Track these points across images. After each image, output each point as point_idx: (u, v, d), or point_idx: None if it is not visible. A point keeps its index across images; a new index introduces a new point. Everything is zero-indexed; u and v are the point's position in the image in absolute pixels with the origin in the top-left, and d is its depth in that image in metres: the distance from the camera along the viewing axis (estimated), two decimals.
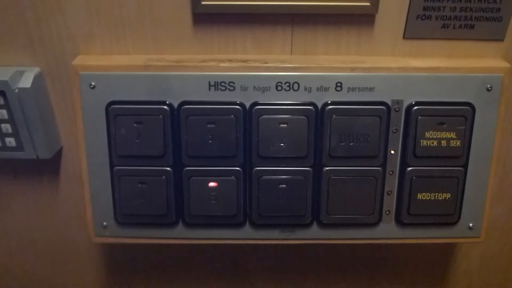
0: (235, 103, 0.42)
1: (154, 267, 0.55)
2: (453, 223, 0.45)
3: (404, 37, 0.43)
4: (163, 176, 0.43)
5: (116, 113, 0.42)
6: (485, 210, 0.45)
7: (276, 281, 0.56)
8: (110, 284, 0.56)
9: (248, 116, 0.42)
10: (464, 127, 0.42)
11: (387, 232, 0.46)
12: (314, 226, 0.46)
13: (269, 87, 0.42)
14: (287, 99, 0.42)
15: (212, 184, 0.44)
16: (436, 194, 0.44)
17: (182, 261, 0.55)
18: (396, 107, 0.42)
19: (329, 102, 0.42)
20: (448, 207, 0.44)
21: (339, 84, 0.42)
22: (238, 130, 0.42)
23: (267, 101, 0.42)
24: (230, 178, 0.43)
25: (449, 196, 0.44)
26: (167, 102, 0.42)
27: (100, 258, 0.54)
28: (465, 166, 0.44)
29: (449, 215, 0.45)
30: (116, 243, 0.47)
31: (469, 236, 0.46)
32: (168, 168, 0.43)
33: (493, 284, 0.56)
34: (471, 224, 0.46)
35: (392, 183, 0.44)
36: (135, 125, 0.42)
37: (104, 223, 0.46)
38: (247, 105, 0.42)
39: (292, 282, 0.56)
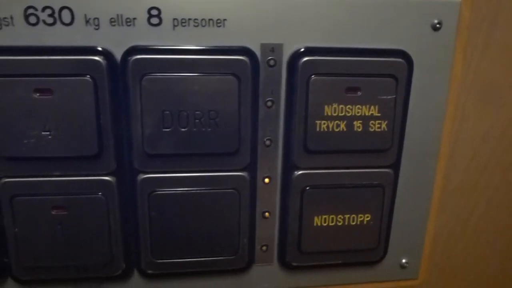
0: None
1: None
2: (376, 261, 0.27)
3: None
4: None
5: None
6: (425, 237, 0.27)
7: None
8: None
9: None
10: (393, 96, 0.23)
11: (266, 280, 0.26)
12: (135, 278, 0.25)
13: (11, 17, 0.20)
14: (49, 41, 0.21)
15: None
16: (347, 216, 0.25)
17: None
18: (270, 58, 0.22)
19: (136, 47, 0.21)
20: (368, 236, 0.26)
21: (155, 13, 0.21)
22: None
23: (10, 45, 0.21)
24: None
25: (368, 218, 0.25)
26: None
27: None
28: (396, 166, 0.25)
29: (368, 250, 0.26)
30: None
31: (401, 278, 0.28)
32: None
33: None
34: (404, 260, 0.27)
35: (270, 199, 0.25)
36: None
37: None
38: None
39: None
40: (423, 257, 0.28)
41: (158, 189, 0.23)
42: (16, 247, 0.23)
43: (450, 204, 0.30)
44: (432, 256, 0.29)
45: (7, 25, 0.20)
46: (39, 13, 0.20)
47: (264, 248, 0.26)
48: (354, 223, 0.25)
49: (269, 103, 0.23)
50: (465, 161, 0.30)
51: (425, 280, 0.28)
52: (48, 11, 0.20)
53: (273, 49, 0.22)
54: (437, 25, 0.23)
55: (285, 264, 0.26)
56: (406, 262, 0.27)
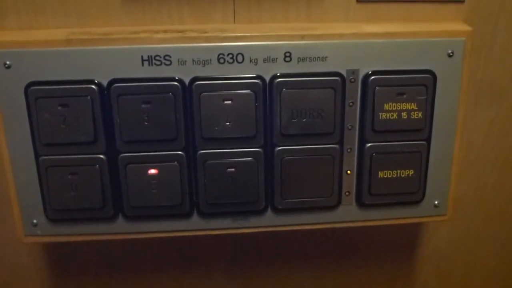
0: (173, 79, 0.37)
1: (99, 264, 0.50)
2: (418, 202, 0.42)
3: (357, 1, 0.39)
4: (96, 165, 0.39)
5: (37, 96, 0.37)
6: (450, 186, 0.42)
7: (234, 273, 0.52)
8: (54, 286, 0.51)
9: (188, 93, 0.37)
10: (425, 97, 0.39)
11: (348, 215, 0.42)
12: (269, 212, 0.42)
13: (210, 59, 0.37)
14: (230, 73, 0.37)
15: (152, 171, 0.39)
16: (398, 171, 0.41)
17: (128, 256, 0.50)
18: (351, 77, 0.38)
19: (277, 74, 0.38)
20: (412, 184, 0.41)
21: (288, 54, 0.37)
22: (177, 109, 0.37)
23: (209, 76, 0.37)
24: (172, 163, 0.39)
25: (412, 172, 0.41)
26: (95, 81, 0.37)
27: (38, 258, 0.49)
28: (428, 139, 0.40)
29: (413, 193, 0.42)
30: (50, 242, 0.42)
31: (435, 214, 0.43)
32: (102, 156, 0.39)
33: (462, 261, 0.53)
34: (436, 202, 0.43)
35: (350, 162, 0.41)
36: (59, 108, 0.37)
37: (34, 221, 0.40)
38: (186, 81, 0.37)
39: (252, 273, 0.52)
40: (449, 200, 0.43)
41: (286, 156, 0.39)
42: (203, 192, 0.40)
43: (467, 165, 0.46)
44: (456, 200, 0.44)
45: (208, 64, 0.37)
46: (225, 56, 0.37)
47: (347, 193, 0.42)
48: (403, 176, 0.41)
49: (350, 104, 0.39)
50: (479, 137, 0.45)
51: (451, 216, 0.44)
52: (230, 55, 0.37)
53: (353, 72, 0.38)
54: (451, 54, 0.39)
55: (361, 204, 0.42)
56: (438, 203, 0.43)
